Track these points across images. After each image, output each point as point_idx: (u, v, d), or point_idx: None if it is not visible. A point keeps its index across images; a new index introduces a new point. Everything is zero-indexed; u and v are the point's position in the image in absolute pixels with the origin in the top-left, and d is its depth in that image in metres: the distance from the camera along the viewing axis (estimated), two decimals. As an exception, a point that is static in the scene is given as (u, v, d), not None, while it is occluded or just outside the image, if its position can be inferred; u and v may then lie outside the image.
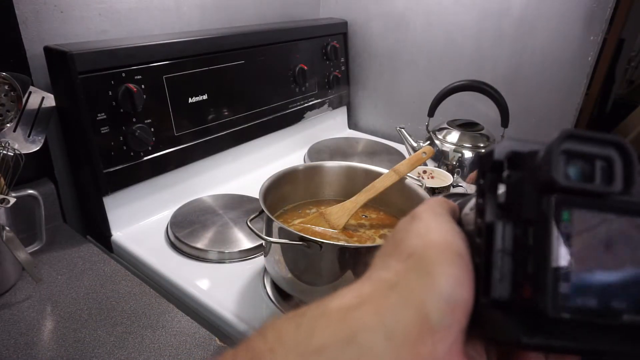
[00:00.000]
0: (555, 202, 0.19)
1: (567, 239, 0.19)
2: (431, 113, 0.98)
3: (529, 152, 0.20)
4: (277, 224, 0.59)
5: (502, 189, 0.21)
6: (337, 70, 1.23)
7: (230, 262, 0.74)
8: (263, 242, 0.68)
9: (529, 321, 0.19)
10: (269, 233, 0.62)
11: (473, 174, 0.91)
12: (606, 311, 0.19)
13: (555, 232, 0.18)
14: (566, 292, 0.18)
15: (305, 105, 1.14)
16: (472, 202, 0.24)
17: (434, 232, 0.23)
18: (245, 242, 0.76)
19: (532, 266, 0.19)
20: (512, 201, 0.20)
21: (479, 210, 0.22)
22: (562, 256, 0.18)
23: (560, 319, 0.18)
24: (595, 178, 0.19)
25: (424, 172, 0.87)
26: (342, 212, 0.69)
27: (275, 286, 0.68)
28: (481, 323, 0.21)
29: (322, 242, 0.55)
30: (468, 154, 0.93)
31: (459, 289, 0.20)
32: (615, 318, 0.19)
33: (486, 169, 0.22)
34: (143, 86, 0.76)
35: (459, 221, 0.26)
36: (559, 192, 0.19)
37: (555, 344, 0.19)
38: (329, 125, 1.29)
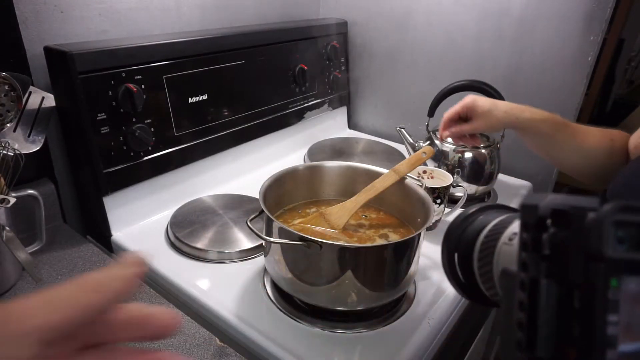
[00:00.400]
0: (604, 271, 0.18)
1: (615, 306, 0.18)
2: (431, 113, 0.98)
3: (576, 211, 0.20)
4: (277, 224, 0.59)
5: (545, 241, 0.21)
6: (337, 70, 1.23)
7: (230, 262, 0.74)
8: (263, 242, 0.68)
9: None
10: (269, 233, 0.62)
11: (441, 129, 0.86)
12: None
13: (603, 299, 0.18)
14: None
15: (305, 105, 1.14)
16: (514, 226, 0.23)
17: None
18: (245, 242, 0.76)
19: (578, 330, 0.19)
20: (557, 260, 0.20)
21: (522, 264, 0.21)
22: (610, 323, 0.18)
23: None
24: None
25: (424, 172, 0.87)
26: (342, 212, 0.69)
27: (275, 286, 0.68)
28: None
29: (322, 242, 0.55)
30: (468, 154, 0.93)
31: None
32: None
33: (530, 222, 0.21)
34: (143, 86, 0.76)
35: (490, 247, 0.24)
36: (608, 261, 0.18)
37: None
38: (329, 125, 1.29)
